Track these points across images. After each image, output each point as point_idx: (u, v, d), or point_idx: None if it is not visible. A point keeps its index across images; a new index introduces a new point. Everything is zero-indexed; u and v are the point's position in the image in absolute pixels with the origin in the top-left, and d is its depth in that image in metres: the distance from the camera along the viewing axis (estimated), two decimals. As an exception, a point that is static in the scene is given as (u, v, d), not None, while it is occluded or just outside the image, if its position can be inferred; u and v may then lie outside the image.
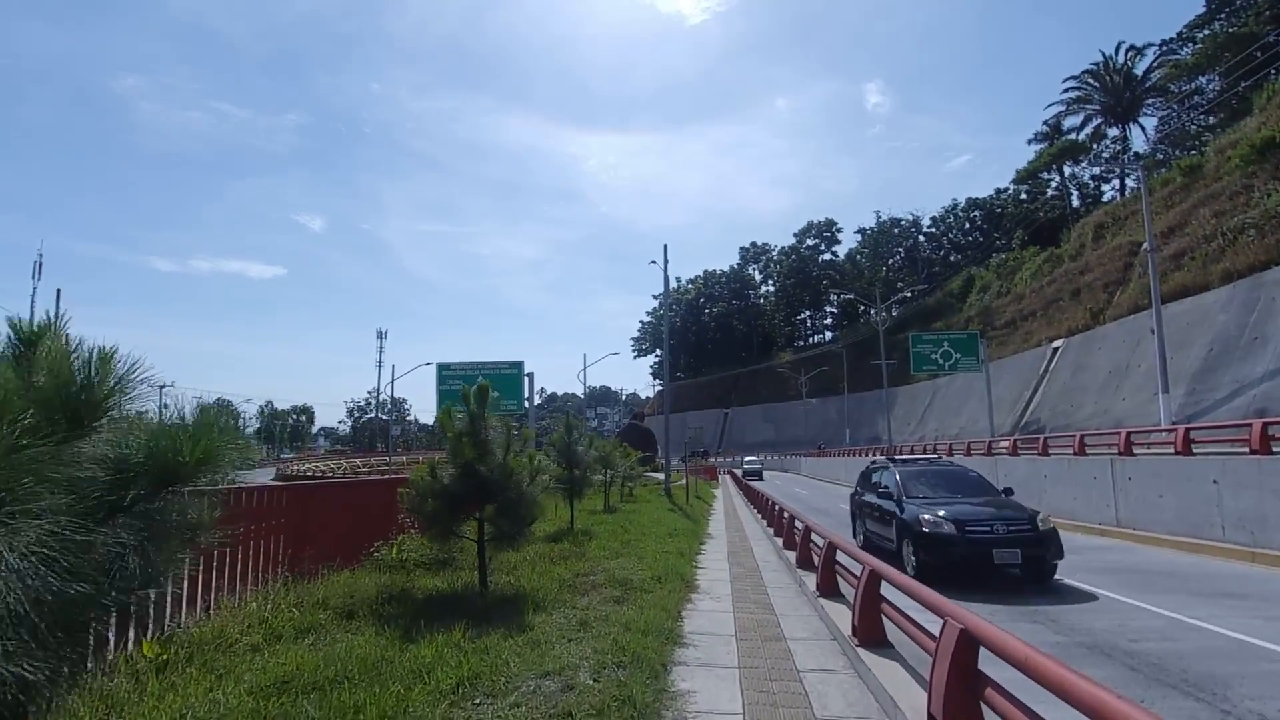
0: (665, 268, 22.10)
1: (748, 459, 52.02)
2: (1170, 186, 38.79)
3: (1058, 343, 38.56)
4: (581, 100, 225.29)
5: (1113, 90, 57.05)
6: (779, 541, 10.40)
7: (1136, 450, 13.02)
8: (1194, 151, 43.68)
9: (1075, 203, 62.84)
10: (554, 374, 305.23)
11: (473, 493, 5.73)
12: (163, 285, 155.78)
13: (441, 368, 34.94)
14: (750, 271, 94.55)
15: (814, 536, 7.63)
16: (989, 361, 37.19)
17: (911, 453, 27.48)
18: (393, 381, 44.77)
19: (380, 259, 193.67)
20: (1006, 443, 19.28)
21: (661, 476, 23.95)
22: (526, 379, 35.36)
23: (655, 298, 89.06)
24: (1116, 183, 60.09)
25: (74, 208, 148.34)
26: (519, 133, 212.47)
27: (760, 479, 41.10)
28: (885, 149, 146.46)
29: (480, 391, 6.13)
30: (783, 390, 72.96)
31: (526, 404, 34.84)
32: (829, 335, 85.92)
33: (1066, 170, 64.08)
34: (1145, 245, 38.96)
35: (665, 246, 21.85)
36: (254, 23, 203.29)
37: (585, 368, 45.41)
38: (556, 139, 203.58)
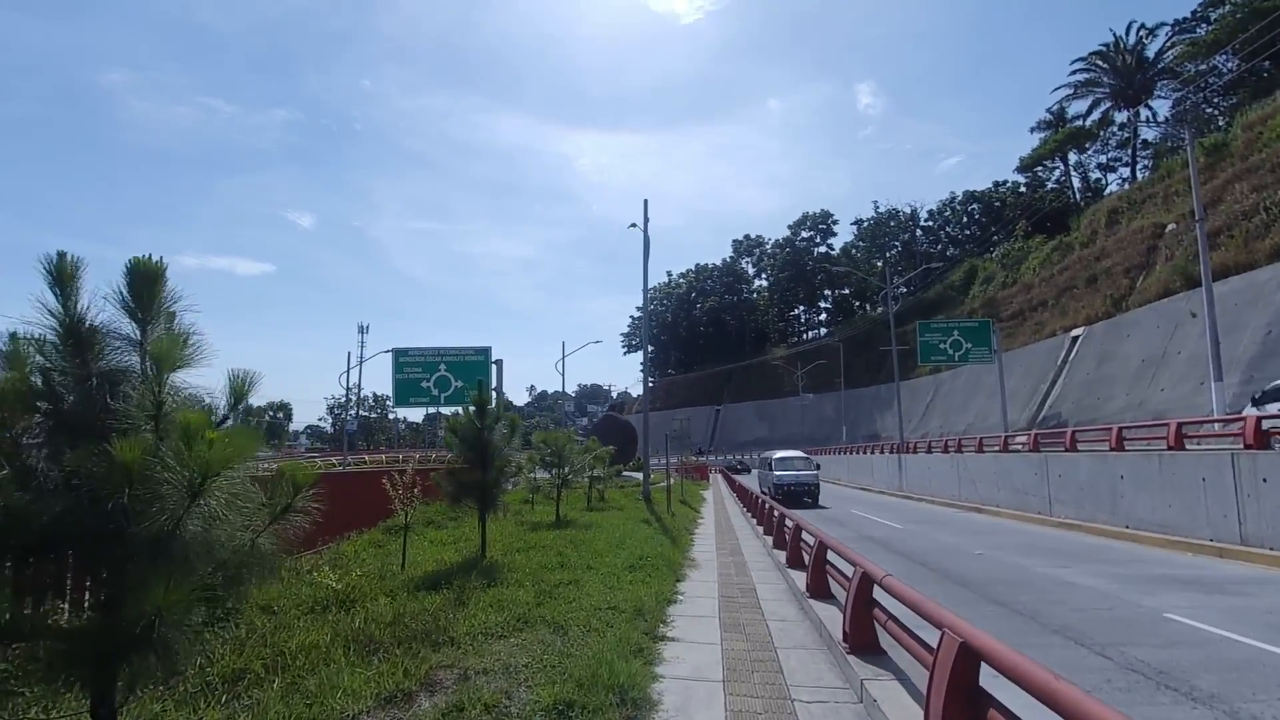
0: (645, 229, 18.59)
1: (779, 456, 23.88)
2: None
3: (1077, 331, 35.54)
4: (573, 100, 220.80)
5: (1123, 72, 54.35)
6: (798, 581, 6.83)
7: (1275, 443, 9.65)
8: (1215, 130, 41.20)
9: (1077, 193, 60.32)
10: (547, 373, 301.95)
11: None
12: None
13: (399, 354, 31.05)
14: (743, 265, 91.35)
15: (884, 596, 4.06)
16: (999, 353, 34.06)
17: (930, 450, 24.11)
18: (349, 370, 40.82)
19: (371, 257, 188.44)
20: (1054, 435, 15.91)
21: (641, 476, 20.38)
22: (495, 366, 31.59)
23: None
24: (1124, 170, 57.65)
25: (59, 203, 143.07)
26: (510, 132, 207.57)
27: (814, 502, 21.02)
28: (877, 151, 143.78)
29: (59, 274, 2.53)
30: (777, 386, 69.74)
31: (495, 394, 31.08)
32: (823, 331, 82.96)
33: (1072, 158, 61.64)
34: (1170, 226, 36.12)
35: (645, 202, 18.40)
36: (243, 18, 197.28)
37: (564, 356, 41.76)
38: (548, 138, 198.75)
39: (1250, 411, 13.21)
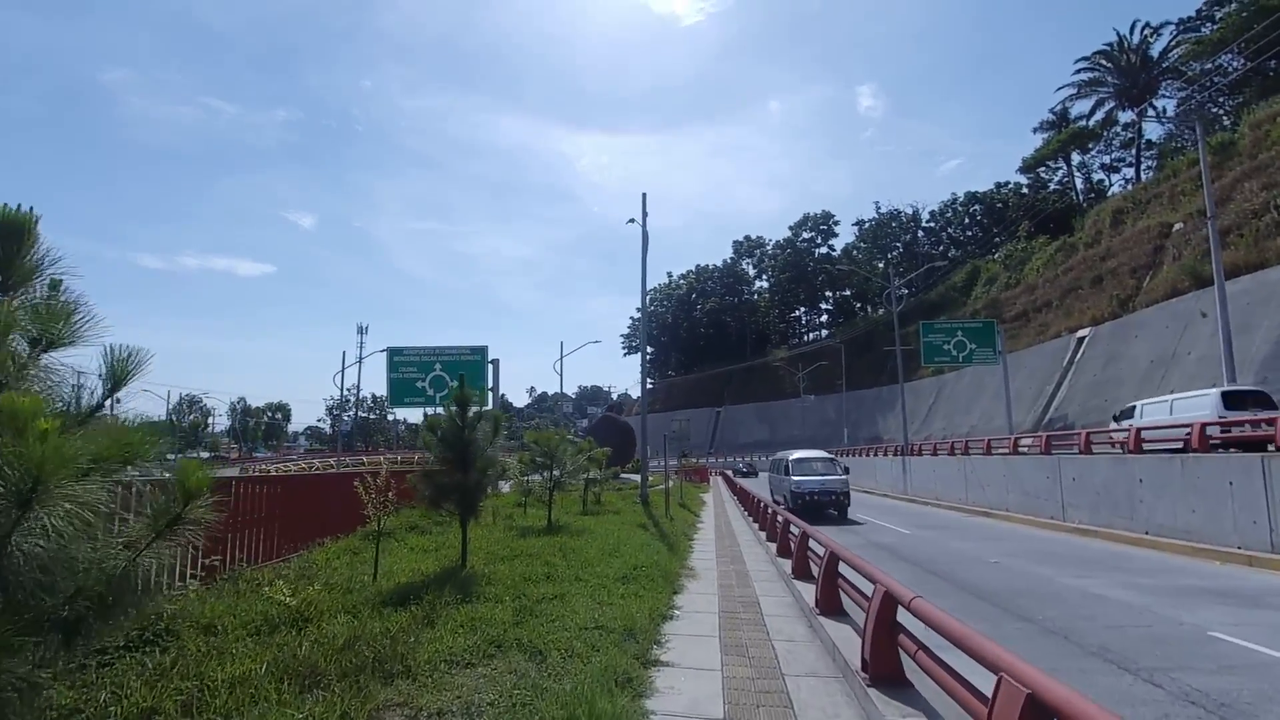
0: (644, 223, 18.06)
1: (797, 457, 18.96)
2: (1198, 167, 35.78)
3: (1083, 332, 35.01)
4: (574, 100, 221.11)
5: (1127, 71, 53.90)
6: (806, 594, 6.29)
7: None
8: (1220, 130, 40.77)
9: (1080, 194, 59.88)
10: (547, 374, 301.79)
11: None
12: (150, 282, 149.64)
13: (393, 353, 30.56)
14: (744, 266, 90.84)
15: (908, 618, 3.52)
16: (1004, 354, 33.53)
17: (935, 453, 23.57)
18: (343, 370, 40.31)
19: (371, 257, 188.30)
20: (1067, 437, 15.38)
21: (640, 478, 19.82)
22: (491, 366, 31.09)
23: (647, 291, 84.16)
24: (1128, 170, 57.17)
25: (60, 202, 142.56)
26: (511, 131, 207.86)
27: (841, 515, 17.23)
28: (878, 153, 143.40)
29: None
30: (778, 388, 69.22)
31: (490, 394, 30.53)
32: (824, 333, 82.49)
33: (1075, 159, 61.24)
34: (1178, 225, 35.64)
35: (644, 196, 17.89)
36: (245, 17, 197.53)
37: (562, 356, 41.24)
38: (549, 138, 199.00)
39: (1111, 425, 14.57)
